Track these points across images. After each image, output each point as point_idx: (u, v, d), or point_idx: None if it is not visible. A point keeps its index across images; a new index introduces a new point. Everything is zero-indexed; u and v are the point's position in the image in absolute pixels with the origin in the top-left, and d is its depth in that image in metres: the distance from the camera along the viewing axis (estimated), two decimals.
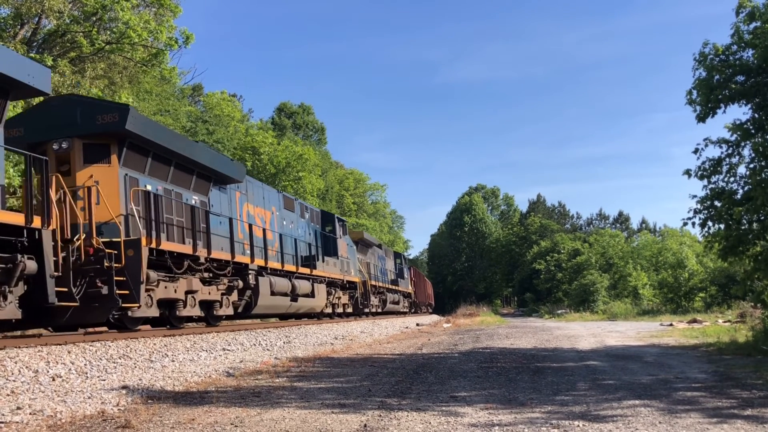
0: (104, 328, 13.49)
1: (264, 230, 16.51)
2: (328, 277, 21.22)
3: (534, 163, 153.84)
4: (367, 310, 27.27)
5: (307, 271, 19.09)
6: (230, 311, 14.63)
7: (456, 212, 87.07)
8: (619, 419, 5.34)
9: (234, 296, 14.79)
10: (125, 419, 5.42)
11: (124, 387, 6.88)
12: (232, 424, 5.32)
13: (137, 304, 10.47)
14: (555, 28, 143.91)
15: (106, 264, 9.86)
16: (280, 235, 17.67)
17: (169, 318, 12.62)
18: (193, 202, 13.49)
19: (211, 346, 10.77)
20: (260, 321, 20.46)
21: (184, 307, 12.56)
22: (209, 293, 13.57)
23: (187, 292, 12.64)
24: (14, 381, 6.52)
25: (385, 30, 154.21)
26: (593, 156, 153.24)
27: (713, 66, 11.51)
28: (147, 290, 11.06)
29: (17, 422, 5.18)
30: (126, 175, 11.44)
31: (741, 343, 11.77)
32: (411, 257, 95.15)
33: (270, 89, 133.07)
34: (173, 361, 9.02)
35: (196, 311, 13.12)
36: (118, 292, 9.94)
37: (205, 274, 13.40)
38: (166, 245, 11.71)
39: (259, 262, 15.62)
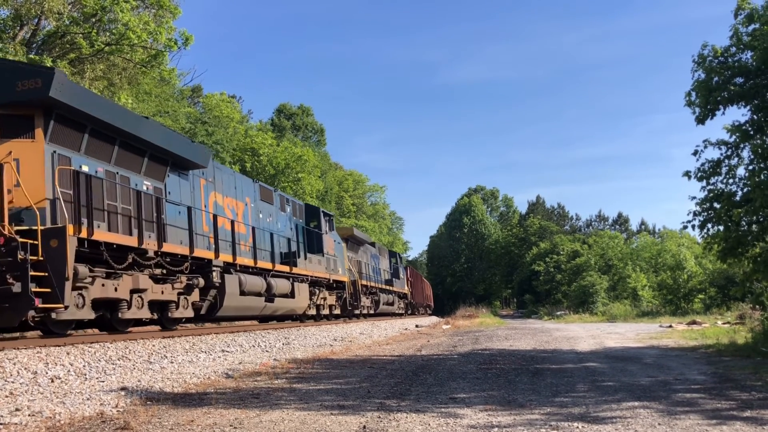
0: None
1: (233, 222, 14.68)
2: (312, 276, 19.44)
3: (533, 164, 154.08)
4: (357, 312, 25.73)
5: (286, 268, 17.41)
6: (189, 313, 12.94)
7: (455, 213, 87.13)
8: (618, 421, 5.34)
9: (195, 296, 13.08)
10: (124, 421, 5.41)
11: (123, 388, 6.87)
12: (231, 425, 5.31)
13: (61, 305, 8.96)
14: (555, 29, 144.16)
15: (19, 256, 8.42)
16: (253, 229, 15.88)
17: (111, 321, 11.12)
18: (145, 188, 11.75)
19: (210, 347, 10.77)
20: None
21: (129, 308, 10.90)
22: (162, 293, 11.87)
23: (132, 291, 10.96)
24: (13, 382, 6.52)
25: (384, 31, 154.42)
26: (593, 157, 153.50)
27: (712, 68, 11.54)
28: (77, 288, 9.58)
29: (16, 423, 5.17)
30: (54, 152, 9.76)
31: (740, 345, 11.77)
32: (410, 258, 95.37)
33: (269, 90, 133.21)
34: (172, 362, 9.01)
35: (145, 313, 11.47)
36: (35, 289, 8.55)
37: (157, 271, 11.82)
38: (100, 235, 9.99)
39: (225, 257, 13.94)
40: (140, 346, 9.69)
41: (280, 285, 16.67)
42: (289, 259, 17.83)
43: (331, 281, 21.60)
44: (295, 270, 18.01)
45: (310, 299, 19.40)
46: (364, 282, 27.40)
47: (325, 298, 21.28)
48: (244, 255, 15.03)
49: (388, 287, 33.32)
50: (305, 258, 19.20)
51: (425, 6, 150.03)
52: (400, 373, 8.96)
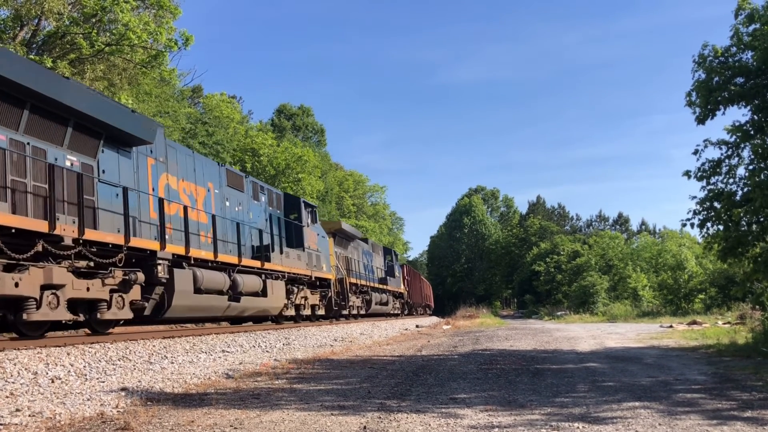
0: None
1: (186, 208, 12.63)
2: (289, 273, 17.49)
3: (534, 165, 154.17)
4: (345, 312, 23.74)
5: (256, 263, 15.42)
6: (126, 314, 10.88)
7: (455, 214, 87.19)
8: (618, 421, 5.34)
9: (134, 294, 11.03)
10: (124, 421, 5.41)
11: (124, 389, 6.87)
12: (231, 426, 5.31)
13: None
14: (555, 30, 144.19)
15: None
16: (214, 217, 13.82)
17: (15, 323, 9.25)
18: (69, 163, 9.91)
19: (210, 347, 10.77)
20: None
21: (38, 307, 8.98)
22: (88, 289, 9.91)
23: (44, 288, 9.08)
24: (13, 383, 6.52)
25: (384, 31, 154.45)
26: (593, 157, 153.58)
27: (712, 68, 11.53)
28: None
29: (16, 424, 5.17)
30: None
31: (741, 345, 11.77)
32: (411, 259, 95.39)
33: (270, 91, 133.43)
34: (172, 362, 9.01)
35: (62, 314, 9.46)
36: None
37: (82, 264, 9.90)
38: None
39: (175, 249, 12.01)
40: (141, 346, 9.69)
41: (249, 282, 14.85)
42: (261, 253, 15.83)
43: (313, 278, 19.60)
44: (268, 266, 15.97)
45: (288, 298, 17.59)
46: (353, 280, 25.52)
47: (306, 298, 19.32)
48: (204, 247, 13.25)
49: (381, 286, 31.44)
50: (281, 252, 17.23)
51: (425, 6, 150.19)
52: (400, 373, 8.96)
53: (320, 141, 64.22)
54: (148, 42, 21.21)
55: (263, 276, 15.75)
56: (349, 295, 24.15)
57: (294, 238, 18.65)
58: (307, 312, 19.71)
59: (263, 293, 15.68)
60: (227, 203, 15.05)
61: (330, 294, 21.41)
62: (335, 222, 26.59)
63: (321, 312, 21.07)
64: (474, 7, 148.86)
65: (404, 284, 39.51)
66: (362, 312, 27.02)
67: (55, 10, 19.27)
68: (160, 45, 21.89)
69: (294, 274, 17.96)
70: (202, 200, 13.86)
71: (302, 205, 19.61)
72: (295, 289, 18.29)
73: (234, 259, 14.39)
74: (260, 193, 17.16)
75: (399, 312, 36.80)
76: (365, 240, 31.41)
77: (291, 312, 18.17)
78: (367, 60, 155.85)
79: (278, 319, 18.01)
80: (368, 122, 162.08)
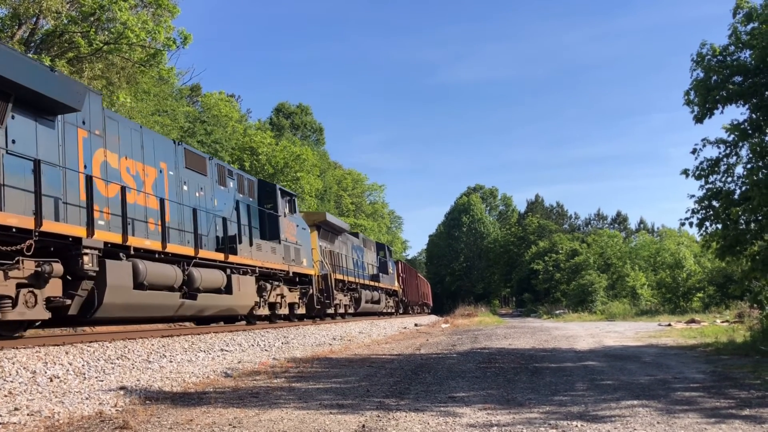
0: (103, 328, 13.50)
1: (124, 189, 10.72)
2: (261, 267, 15.52)
3: (532, 164, 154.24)
4: (330, 311, 21.69)
5: (218, 256, 13.58)
6: (39, 314, 8.91)
7: (454, 213, 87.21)
8: (617, 419, 5.34)
9: (52, 290, 9.15)
10: (123, 420, 5.41)
11: (122, 388, 6.87)
12: (230, 424, 5.31)
13: None
14: (554, 29, 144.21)
15: None
16: (163, 202, 11.89)
17: None
18: None
19: (209, 346, 10.77)
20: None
21: None
22: None
23: None
24: (12, 382, 6.51)
25: (383, 30, 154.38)
26: (591, 156, 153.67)
27: (711, 67, 11.54)
28: None
29: (15, 423, 5.17)
30: None
31: (739, 344, 11.79)
32: (409, 257, 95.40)
33: (268, 89, 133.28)
34: (171, 361, 9.01)
35: None
36: None
37: None
38: None
39: (108, 236, 10.06)
40: (139, 345, 9.69)
41: (209, 277, 13.00)
42: (226, 244, 14.02)
43: (291, 274, 17.62)
44: (233, 259, 14.12)
45: (260, 296, 15.73)
46: (339, 276, 23.46)
47: (282, 295, 17.35)
48: (152, 237, 11.50)
49: (373, 283, 29.61)
50: (251, 244, 15.31)
51: (424, 6, 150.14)
52: (399, 372, 8.97)
53: (319, 140, 64.20)
54: (146, 41, 21.18)
55: (228, 270, 13.94)
56: (335, 292, 22.12)
57: (268, 229, 16.86)
58: (284, 311, 17.72)
59: (227, 290, 13.80)
60: (185, 187, 13.22)
61: (311, 291, 19.42)
62: (319, 213, 24.14)
63: (301, 311, 19.17)
64: (473, 6, 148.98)
65: (399, 281, 37.81)
66: (350, 311, 25.22)
67: (54, 8, 19.23)
68: (158, 44, 21.86)
69: (267, 268, 15.94)
70: (151, 182, 12.01)
71: (278, 192, 17.62)
72: (269, 286, 16.26)
73: (189, 251, 12.48)
74: (228, 177, 15.28)
75: (393, 311, 35.03)
76: (355, 234, 29.61)
77: (264, 311, 16.21)
78: (366, 59, 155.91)
79: (249, 319, 16.09)
80: (367, 121, 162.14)
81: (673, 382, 7.58)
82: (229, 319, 15.83)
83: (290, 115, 61.56)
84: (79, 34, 20.48)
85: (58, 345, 8.80)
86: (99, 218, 10.12)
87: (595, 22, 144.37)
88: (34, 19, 20.86)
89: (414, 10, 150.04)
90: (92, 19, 20.76)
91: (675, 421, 5.26)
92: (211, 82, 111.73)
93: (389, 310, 33.64)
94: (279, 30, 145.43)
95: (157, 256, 11.56)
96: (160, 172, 12.45)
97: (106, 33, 21.07)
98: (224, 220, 14.28)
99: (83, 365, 7.74)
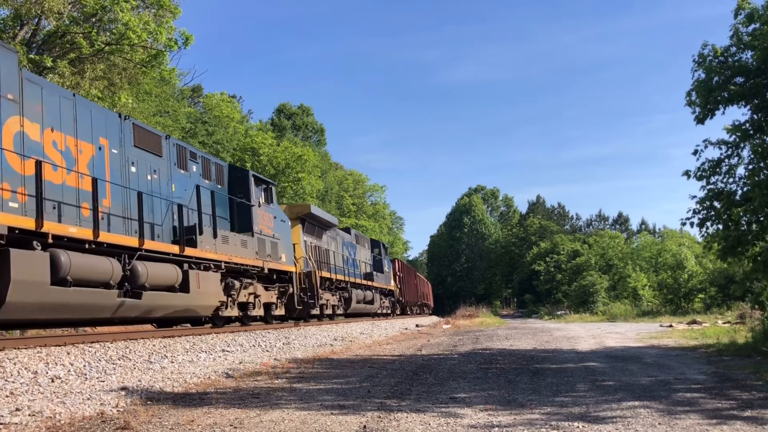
0: (105, 329, 13.52)
1: (39, 164, 8.92)
2: (228, 262, 13.70)
3: (533, 164, 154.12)
4: (315, 312, 19.90)
5: (172, 248, 11.86)
6: None
7: (455, 213, 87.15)
8: (618, 420, 5.34)
9: None
10: (124, 420, 5.41)
11: (123, 388, 6.88)
12: (231, 425, 5.31)
13: None
14: (554, 30, 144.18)
15: None
16: (95, 182, 9.93)
17: None
18: None
19: (210, 347, 10.77)
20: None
21: None
22: None
23: None
24: (13, 382, 6.52)
25: (384, 31, 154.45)
26: (593, 157, 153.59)
27: (712, 67, 11.54)
28: None
29: (16, 423, 5.17)
30: None
31: (740, 345, 11.78)
32: (411, 258, 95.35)
33: (269, 90, 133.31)
34: (172, 362, 9.01)
35: None
36: None
37: None
38: None
39: (13, 220, 8.41)
40: (140, 345, 9.70)
41: (157, 272, 11.16)
42: (182, 236, 12.19)
43: (266, 271, 15.61)
44: (191, 252, 12.31)
45: (228, 294, 13.93)
46: (326, 274, 21.53)
47: (256, 294, 15.44)
48: (86, 224, 9.77)
49: (366, 282, 27.68)
50: (215, 236, 13.41)
51: (424, 6, 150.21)
52: (400, 372, 8.97)
53: (320, 140, 64.22)
54: (148, 41, 21.20)
55: (185, 265, 12.15)
56: (321, 291, 20.28)
57: (239, 220, 15.00)
58: (259, 312, 15.80)
59: (183, 287, 11.95)
60: (133, 169, 11.50)
61: (292, 290, 17.50)
62: (303, 205, 21.87)
63: (279, 312, 17.20)
64: (473, 7, 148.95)
65: (396, 281, 35.93)
66: (339, 312, 23.29)
67: (55, 9, 19.26)
68: (160, 44, 21.87)
69: (236, 264, 14.07)
70: (86, 160, 10.25)
71: (251, 179, 15.62)
72: (237, 284, 14.28)
73: (131, 241, 10.65)
74: (190, 160, 13.50)
75: (389, 312, 32.96)
76: (347, 230, 27.97)
77: (233, 312, 14.37)
78: (367, 60, 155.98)
79: (216, 321, 14.32)
80: (368, 122, 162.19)
81: (674, 383, 7.58)
82: (190, 321, 14.43)
83: (291, 116, 61.59)
84: (80, 34, 20.51)
85: (59, 345, 8.81)
86: (10, 199, 8.55)
87: (596, 23, 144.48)
88: (36, 20, 20.89)
89: (414, 10, 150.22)
90: (94, 19, 20.80)
91: (676, 422, 5.25)
92: (213, 83, 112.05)
93: (384, 311, 31.75)
94: (280, 31, 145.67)
95: (87, 246, 9.61)
96: (100, 149, 10.62)
97: (108, 34, 21.09)
98: (180, 207, 12.31)
99: (84, 365, 7.75)
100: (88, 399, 6.21)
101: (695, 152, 11.73)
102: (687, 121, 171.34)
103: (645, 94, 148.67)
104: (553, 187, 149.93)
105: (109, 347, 9.12)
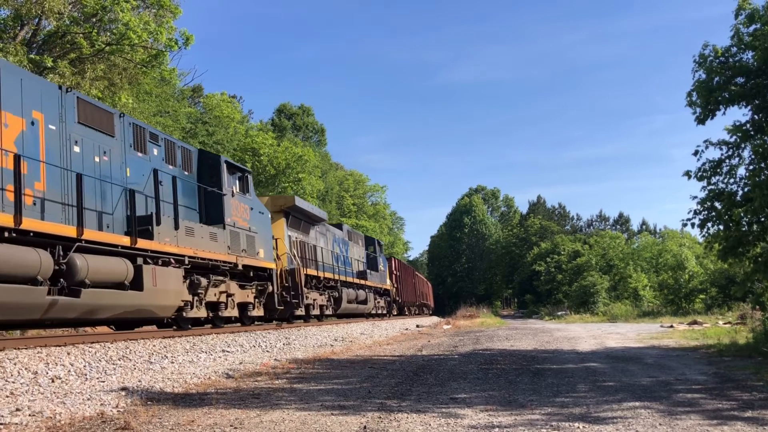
0: (105, 329, 13.52)
1: None
2: (192, 257, 12.16)
3: (534, 165, 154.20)
4: (299, 312, 18.48)
5: (122, 240, 10.31)
6: None
7: (456, 214, 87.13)
8: (619, 421, 5.33)
9: None
10: (124, 421, 5.41)
11: (124, 388, 6.87)
12: (231, 425, 5.31)
13: None
14: (555, 30, 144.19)
15: None
16: (19, 159, 8.42)
17: None
18: None
19: (210, 347, 10.77)
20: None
21: None
22: None
23: None
24: (13, 382, 6.52)
25: (385, 32, 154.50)
26: (593, 157, 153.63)
27: (713, 68, 11.53)
28: None
29: (16, 423, 5.17)
30: None
31: (741, 345, 11.77)
32: (411, 258, 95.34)
33: (270, 91, 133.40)
34: (172, 362, 9.01)
35: None
36: None
37: None
38: None
39: None
40: (141, 346, 9.69)
41: (100, 267, 9.66)
42: (133, 226, 10.65)
43: (241, 267, 14.12)
44: (146, 244, 10.82)
45: (194, 293, 12.45)
46: (313, 272, 20.03)
47: (229, 293, 13.95)
48: (8, 209, 8.30)
49: (359, 281, 26.12)
50: (177, 228, 11.84)
51: (425, 7, 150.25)
52: (400, 373, 8.96)
53: (320, 141, 64.23)
54: (148, 41, 21.20)
55: (139, 260, 10.74)
56: (306, 290, 18.81)
57: (207, 211, 13.51)
58: (232, 312, 14.25)
59: (135, 285, 10.43)
60: (76, 148, 10.00)
61: (272, 288, 15.99)
62: (287, 197, 20.38)
63: (257, 312, 15.67)
64: (474, 7, 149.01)
65: (393, 280, 34.57)
66: (328, 312, 21.85)
67: (56, 9, 19.26)
68: (160, 44, 21.88)
69: (203, 259, 12.59)
70: (13, 136, 8.80)
71: (223, 165, 14.03)
72: (205, 281, 12.77)
73: (66, 230, 9.21)
74: (150, 142, 11.98)
75: (385, 312, 31.36)
76: (338, 226, 26.44)
77: (200, 312, 12.86)
78: (367, 60, 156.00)
79: (180, 324, 12.86)
80: (369, 122, 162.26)
81: (675, 384, 7.57)
82: (150, 323, 13.06)
83: (292, 116, 61.60)
84: (81, 35, 20.52)
85: (59, 345, 8.81)
86: None
87: (596, 24, 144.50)
88: (37, 20, 20.90)
89: (415, 11, 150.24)
90: (94, 20, 20.80)
91: (677, 422, 5.25)
92: (213, 83, 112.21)
93: (379, 311, 30.12)
94: (280, 31, 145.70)
95: (7, 235, 8.25)
96: (32, 124, 9.18)
97: (108, 34, 21.10)
98: (132, 193, 10.76)
99: (85, 366, 7.74)
100: (88, 399, 6.21)
101: (696, 153, 11.73)
102: (688, 121, 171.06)
103: (646, 95, 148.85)
104: (553, 188, 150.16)
105: (109, 347, 9.12)
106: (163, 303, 11.42)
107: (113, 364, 8.19)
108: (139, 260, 10.74)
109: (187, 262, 12.05)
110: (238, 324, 15.20)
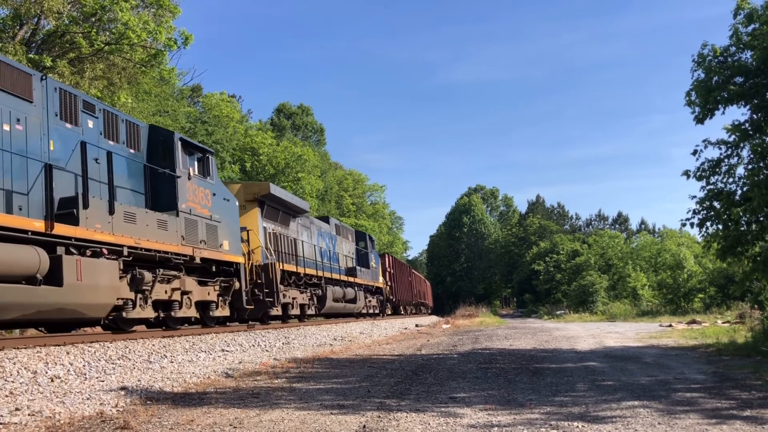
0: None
1: None
2: (132, 247, 10.30)
3: (533, 164, 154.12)
4: (274, 312, 16.73)
5: (29, 224, 8.39)
6: None
7: (455, 213, 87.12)
8: (618, 420, 5.34)
9: None
10: (124, 420, 5.41)
11: (123, 388, 6.88)
12: (230, 425, 5.31)
13: None
14: (554, 30, 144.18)
15: None
16: None
17: None
18: None
19: (210, 347, 10.77)
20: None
21: None
22: None
23: None
24: (13, 382, 6.52)
25: (384, 31, 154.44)
26: (592, 157, 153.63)
27: (712, 67, 11.55)
28: None
29: (16, 423, 5.17)
30: None
31: (740, 344, 11.79)
32: (410, 258, 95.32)
33: (269, 90, 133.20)
34: (172, 362, 9.01)
35: None
36: None
37: None
38: None
39: None
40: (140, 345, 9.69)
41: (3, 258, 7.83)
42: (48, 210, 8.71)
43: (197, 260, 12.23)
44: (68, 231, 8.99)
45: (137, 291, 10.78)
46: (291, 267, 18.17)
47: (184, 291, 12.17)
48: None
49: (347, 278, 24.26)
50: (111, 212, 9.87)
51: (425, 6, 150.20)
52: (400, 372, 8.97)
53: (320, 140, 64.26)
54: (147, 41, 21.19)
55: (59, 249, 8.90)
56: (282, 288, 17.01)
57: (155, 194, 11.76)
58: (189, 312, 12.50)
59: (52, 279, 8.64)
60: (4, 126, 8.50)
61: (239, 285, 14.08)
62: (261, 184, 18.33)
63: (222, 312, 13.77)
64: (474, 7, 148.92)
65: (386, 277, 32.82)
66: (310, 312, 20.10)
67: (55, 9, 19.25)
68: (159, 44, 21.88)
69: (147, 250, 10.71)
70: None
71: (177, 143, 12.15)
72: (149, 276, 10.96)
73: None
74: (83, 112, 10.14)
75: (377, 311, 29.57)
76: (325, 219, 24.52)
77: (145, 312, 11.14)
78: (367, 60, 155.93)
79: (121, 326, 11.19)
80: (368, 122, 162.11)
81: (674, 383, 7.58)
82: (84, 324, 11.49)
83: (291, 116, 61.61)
84: (80, 34, 20.51)
85: (59, 345, 8.81)
86: None
87: (596, 23, 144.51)
88: (36, 20, 20.89)
89: (414, 10, 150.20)
90: (93, 19, 20.80)
91: (676, 421, 5.26)
92: (212, 83, 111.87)
93: (371, 311, 28.32)
94: (280, 31, 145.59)
95: None
96: None
97: (108, 33, 21.10)
98: (50, 168, 8.84)
99: (84, 365, 7.74)
100: (88, 399, 6.21)
101: (695, 152, 11.74)
102: (687, 121, 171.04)
103: (645, 94, 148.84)
104: (552, 187, 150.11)
105: (108, 347, 9.12)
106: (92, 301, 9.47)
107: (112, 363, 8.19)
108: (60, 250, 8.89)
109: (126, 253, 10.19)
110: (199, 326, 13.49)
